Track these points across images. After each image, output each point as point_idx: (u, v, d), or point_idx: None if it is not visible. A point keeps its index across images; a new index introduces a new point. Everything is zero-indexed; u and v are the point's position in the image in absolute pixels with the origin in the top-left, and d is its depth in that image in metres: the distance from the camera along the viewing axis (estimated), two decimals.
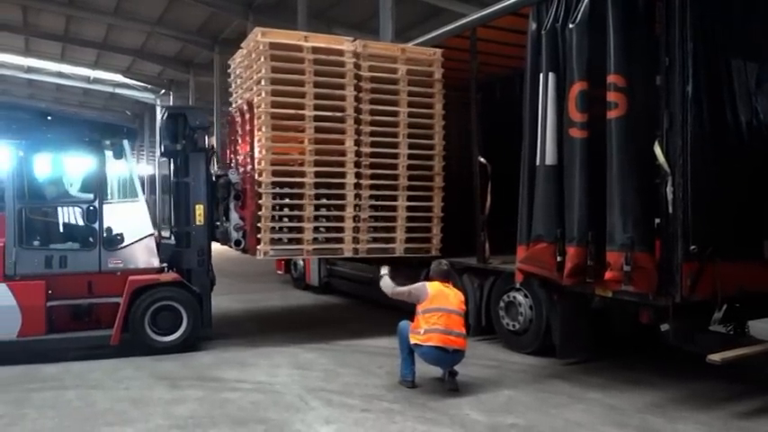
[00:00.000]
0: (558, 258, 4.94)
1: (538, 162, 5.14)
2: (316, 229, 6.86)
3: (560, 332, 5.74)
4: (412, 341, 5.04)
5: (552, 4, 5.13)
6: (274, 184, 6.60)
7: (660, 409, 4.72)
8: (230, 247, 7.00)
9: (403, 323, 5.26)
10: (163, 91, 29.68)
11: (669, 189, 4.59)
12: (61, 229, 6.50)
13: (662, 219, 4.65)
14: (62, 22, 21.30)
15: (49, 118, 6.42)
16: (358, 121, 6.83)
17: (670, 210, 4.60)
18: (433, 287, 5.17)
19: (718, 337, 5.42)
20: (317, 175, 6.68)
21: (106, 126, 6.90)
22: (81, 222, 6.35)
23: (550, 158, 5.03)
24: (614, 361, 5.98)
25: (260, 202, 6.54)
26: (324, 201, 6.83)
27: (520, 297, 6.28)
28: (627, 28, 4.66)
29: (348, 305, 9.41)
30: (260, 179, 6.56)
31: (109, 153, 6.42)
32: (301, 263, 10.85)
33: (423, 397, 4.96)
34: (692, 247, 4.55)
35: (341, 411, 4.64)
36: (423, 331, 4.96)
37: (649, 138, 4.68)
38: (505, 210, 6.09)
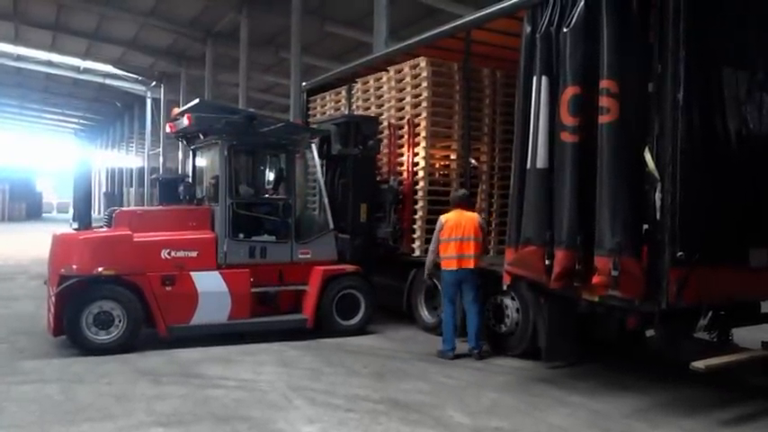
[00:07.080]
0: (547, 262, 4.92)
1: (529, 165, 5.13)
2: None
3: (546, 335, 5.73)
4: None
5: (547, 7, 5.11)
6: (429, 192, 7.43)
7: (644, 414, 4.74)
8: (391, 244, 7.67)
9: (447, 312, 6.20)
10: (154, 83, 29.44)
11: (658, 195, 4.59)
12: (260, 223, 7.02)
13: (650, 225, 4.66)
14: (53, 10, 21.05)
15: (255, 121, 6.98)
16: (492, 139, 7.77)
17: (658, 216, 4.60)
18: (447, 219, 6.15)
19: (703, 344, 5.45)
20: (462, 185, 7.29)
21: (298, 129, 7.80)
22: (276, 217, 6.97)
23: (541, 162, 5.02)
24: (600, 365, 6.00)
25: (416, 207, 7.50)
26: None
27: (507, 299, 6.28)
28: (621, 34, 4.65)
29: None
30: (417, 187, 7.52)
31: (299, 154, 7.19)
32: None
33: (407, 398, 4.95)
34: (679, 253, 4.56)
35: (325, 411, 4.62)
36: (443, 258, 6.08)
37: (640, 144, 4.68)
38: None
